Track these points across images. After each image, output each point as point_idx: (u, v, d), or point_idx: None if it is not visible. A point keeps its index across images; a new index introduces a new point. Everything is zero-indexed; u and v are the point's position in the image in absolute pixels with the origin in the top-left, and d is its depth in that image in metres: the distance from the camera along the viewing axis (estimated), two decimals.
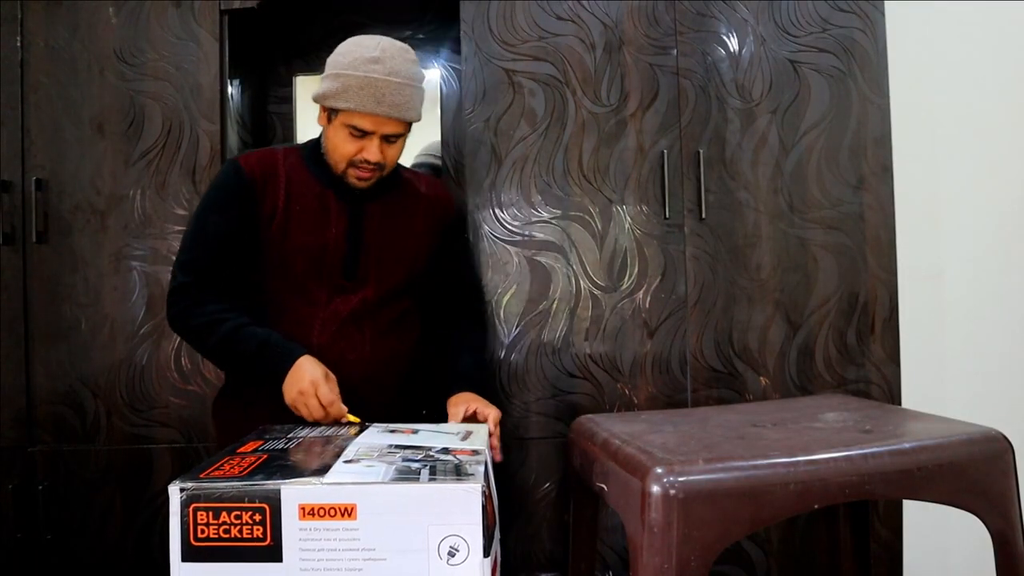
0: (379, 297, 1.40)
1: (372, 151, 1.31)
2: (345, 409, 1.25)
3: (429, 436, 1.11)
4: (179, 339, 1.74)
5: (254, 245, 1.36)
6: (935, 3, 2.03)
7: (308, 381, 1.22)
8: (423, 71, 1.38)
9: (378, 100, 1.28)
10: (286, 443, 1.07)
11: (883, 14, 1.75)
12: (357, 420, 1.25)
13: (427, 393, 1.48)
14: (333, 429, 1.19)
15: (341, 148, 1.33)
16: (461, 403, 1.34)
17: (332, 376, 1.26)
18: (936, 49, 2.04)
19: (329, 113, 1.34)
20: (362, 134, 1.31)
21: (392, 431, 1.14)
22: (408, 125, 1.36)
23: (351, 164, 1.34)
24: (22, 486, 1.72)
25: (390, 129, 1.31)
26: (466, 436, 1.13)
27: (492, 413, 1.32)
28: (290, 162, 1.41)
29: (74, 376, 1.75)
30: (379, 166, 1.35)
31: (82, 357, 1.75)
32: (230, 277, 1.37)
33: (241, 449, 1.02)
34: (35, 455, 1.74)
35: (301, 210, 1.37)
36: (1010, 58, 2.03)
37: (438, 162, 2.08)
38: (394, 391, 1.42)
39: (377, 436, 1.10)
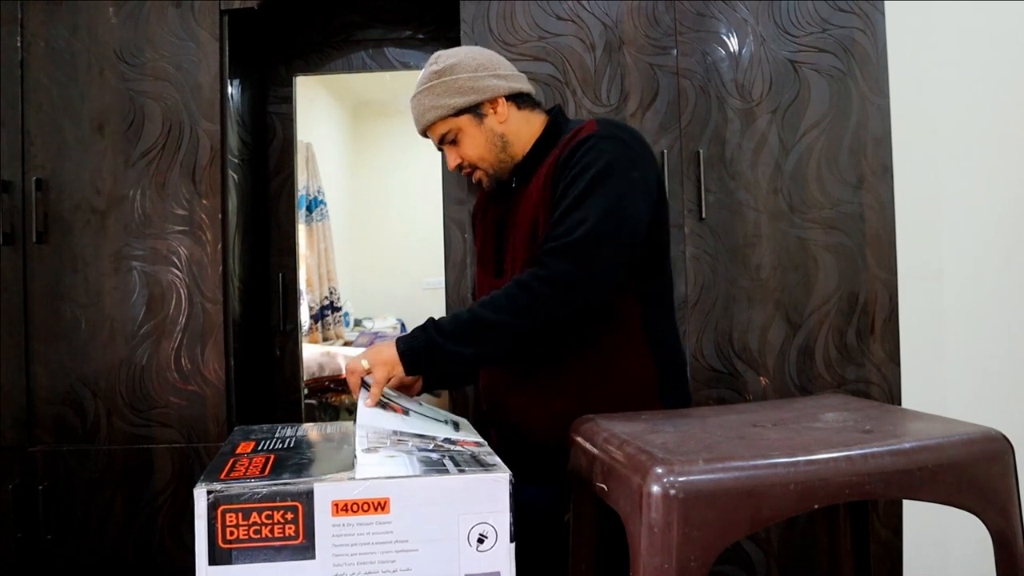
0: None
1: (448, 158, 1.35)
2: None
3: (421, 422, 1.12)
4: (179, 339, 1.75)
5: None
6: (935, 3, 2.03)
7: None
8: (444, 65, 1.30)
9: (414, 121, 1.34)
10: (283, 443, 1.07)
11: (883, 14, 1.75)
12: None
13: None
14: (320, 425, 1.19)
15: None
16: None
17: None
18: (936, 49, 2.04)
19: None
20: (441, 148, 1.37)
21: (384, 406, 1.14)
22: (454, 118, 1.30)
23: (462, 174, 1.39)
24: (22, 486, 1.72)
25: (436, 134, 1.33)
26: (456, 426, 1.15)
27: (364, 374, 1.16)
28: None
29: (74, 376, 1.75)
30: (471, 165, 1.34)
31: (82, 357, 1.75)
32: None
33: (239, 450, 1.03)
34: (35, 455, 1.74)
35: (484, 221, 1.43)
36: (1010, 58, 2.03)
37: None
38: (538, 393, 1.27)
39: (373, 418, 1.09)
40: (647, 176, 1.22)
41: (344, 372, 1.20)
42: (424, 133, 1.35)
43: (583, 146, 1.21)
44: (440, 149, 1.37)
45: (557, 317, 1.16)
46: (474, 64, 1.30)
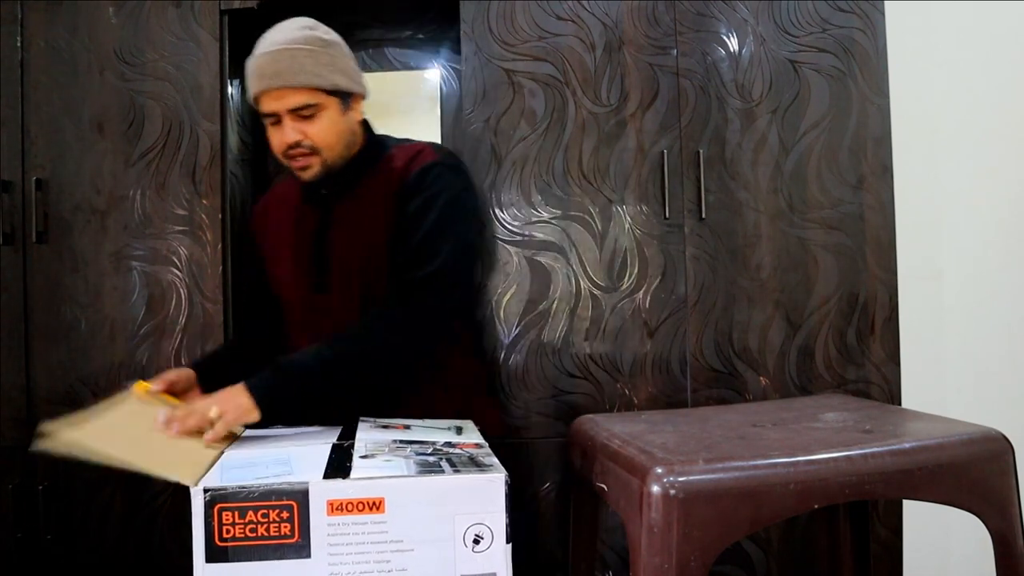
0: (352, 307, 1.26)
1: (286, 132, 1.21)
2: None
3: (423, 431, 1.12)
4: (179, 339, 1.75)
5: (262, 278, 1.39)
6: (935, 3, 2.03)
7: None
8: (332, 38, 1.25)
9: (260, 75, 1.19)
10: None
11: (883, 14, 1.75)
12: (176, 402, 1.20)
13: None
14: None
15: (271, 143, 1.25)
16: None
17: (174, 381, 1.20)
18: (936, 49, 2.04)
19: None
20: (275, 119, 1.22)
21: (385, 427, 1.15)
22: (324, 94, 1.21)
23: (286, 156, 1.24)
24: (22, 486, 1.72)
25: (291, 102, 1.19)
26: (459, 431, 1.15)
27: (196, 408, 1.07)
28: (285, 186, 1.39)
29: (74, 376, 1.75)
30: (311, 148, 1.23)
31: (82, 357, 1.75)
32: (256, 313, 1.43)
33: None
34: (35, 455, 1.74)
35: (282, 234, 1.34)
36: (1010, 58, 2.03)
37: None
38: (385, 407, 1.25)
39: (376, 432, 1.10)
40: (478, 206, 1.33)
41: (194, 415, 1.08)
42: (264, 93, 1.20)
43: (430, 173, 1.24)
44: (269, 115, 1.22)
45: (423, 347, 1.21)
46: (350, 54, 1.27)
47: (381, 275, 1.25)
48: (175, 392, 1.21)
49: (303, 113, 1.21)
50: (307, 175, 1.26)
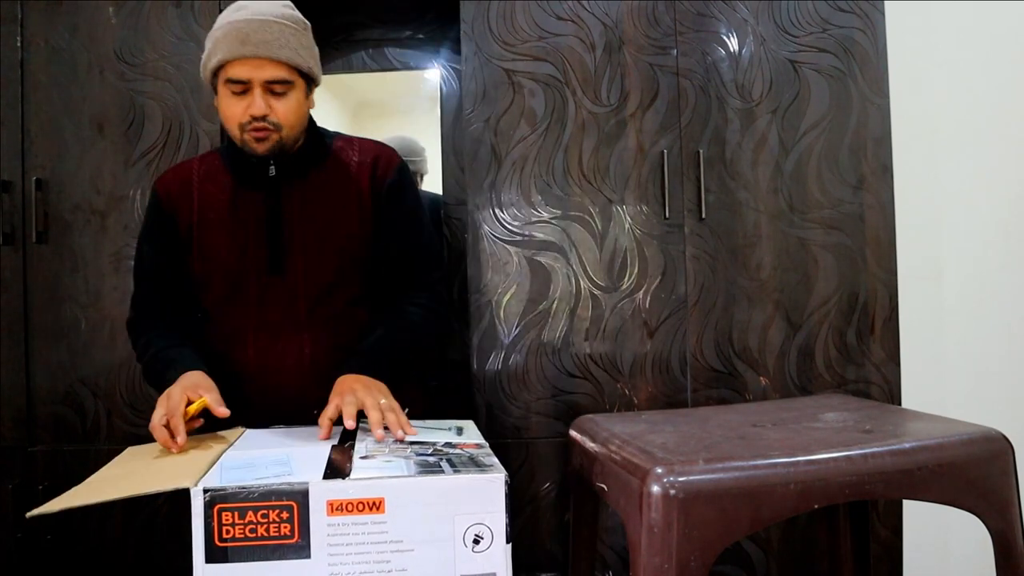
0: (313, 291, 1.27)
1: (256, 103, 1.20)
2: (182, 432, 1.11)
3: (424, 432, 1.12)
4: None
5: (182, 265, 1.33)
6: (935, 3, 2.03)
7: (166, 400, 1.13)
8: (308, 24, 1.26)
9: (242, 41, 1.17)
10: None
11: (883, 14, 1.75)
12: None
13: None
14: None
15: (228, 112, 1.22)
16: (335, 393, 1.15)
17: (192, 395, 1.13)
18: (936, 49, 2.04)
19: (214, 85, 1.25)
20: (242, 88, 1.20)
21: (386, 427, 1.15)
22: (298, 74, 1.23)
23: (244, 129, 1.22)
24: (22, 486, 1.72)
25: (268, 73, 1.19)
26: (460, 431, 1.15)
27: (348, 400, 1.11)
28: (205, 167, 1.35)
29: (74, 376, 1.75)
30: (274, 125, 1.22)
31: (82, 357, 1.75)
32: (177, 301, 1.35)
33: None
34: (35, 455, 1.74)
35: (215, 215, 1.30)
36: (1010, 58, 2.03)
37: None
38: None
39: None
40: None
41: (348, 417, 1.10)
42: (242, 59, 1.18)
43: (405, 172, 1.37)
44: (236, 83, 1.20)
45: (435, 341, 1.45)
46: None
47: (349, 260, 1.31)
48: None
49: (276, 88, 1.21)
50: (262, 148, 1.24)
